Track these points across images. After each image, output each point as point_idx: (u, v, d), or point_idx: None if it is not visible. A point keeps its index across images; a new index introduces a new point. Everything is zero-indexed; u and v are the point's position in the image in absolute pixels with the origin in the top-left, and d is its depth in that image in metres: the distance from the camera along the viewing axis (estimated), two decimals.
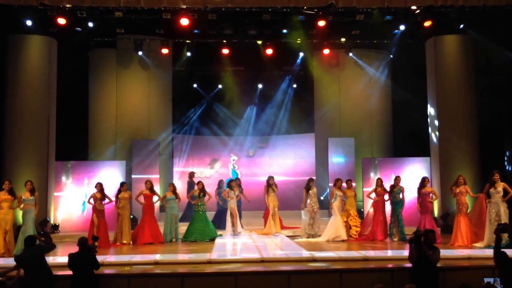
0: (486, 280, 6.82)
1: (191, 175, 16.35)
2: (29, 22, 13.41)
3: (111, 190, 13.36)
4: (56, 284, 7.82)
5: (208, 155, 19.09)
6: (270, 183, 13.83)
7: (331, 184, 16.46)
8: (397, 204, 12.40)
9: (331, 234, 12.40)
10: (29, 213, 11.21)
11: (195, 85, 19.60)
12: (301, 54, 17.65)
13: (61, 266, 8.59)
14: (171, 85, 18.06)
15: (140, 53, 16.52)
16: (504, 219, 10.67)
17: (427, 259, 7.64)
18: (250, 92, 19.17)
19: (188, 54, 17.08)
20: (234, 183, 13.89)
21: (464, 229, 11.31)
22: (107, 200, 12.49)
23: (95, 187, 12.58)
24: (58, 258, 9.74)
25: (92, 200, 12.43)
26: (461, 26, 14.12)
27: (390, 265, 8.89)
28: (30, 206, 11.25)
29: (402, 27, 14.87)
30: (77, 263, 7.55)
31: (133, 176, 15.97)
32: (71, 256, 7.65)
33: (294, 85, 19.75)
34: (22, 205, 11.22)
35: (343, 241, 12.26)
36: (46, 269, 7.60)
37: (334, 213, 12.62)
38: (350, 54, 17.07)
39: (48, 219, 13.19)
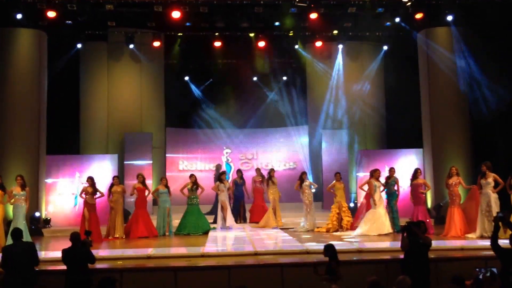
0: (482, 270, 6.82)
1: (218, 167, 16.06)
2: (18, 15, 13.29)
3: (103, 184, 13.32)
4: (47, 279, 7.78)
5: (200, 148, 19.02)
6: (270, 176, 13.77)
7: (326, 173, 16.53)
8: (392, 195, 12.38)
9: (375, 228, 11.79)
10: (20, 208, 11.10)
11: (186, 78, 19.48)
12: (294, 47, 17.59)
13: (52, 261, 8.56)
14: (163, 78, 17.98)
15: (131, 46, 16.42)
16: (495, 209, 10.70)
17: (419, 246, 7.66)
18: (243, 85, 19.09)
19: (180, 47, 16.98)
20: (224, 176, 13.77)
21: (458, 220, 11.33)
22: (98, 194, 12.42)
23: (86, 181, 12.51)
24: (50, 253, 9.70)
25: (83, 194, 12.36)
26: (450, 18, 14.12)
27: (384, 257, 8.90)
28: (21, 201, 11.14)
29: (394, 19, 14.86)
30: (70, 258, 7.49)
31: (125, 169, 15.90)
32: (64, 251, 7.60)
33: (284, 77, 19.66)
34: (12, 200, 11.12)
35: (387, 234, 11.67)
36: (32, 268, 7.53)
37: (375, 205, 12.03)
38: (342, 46, 17.02)
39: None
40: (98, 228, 12.03)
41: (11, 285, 7.26)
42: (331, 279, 7.14)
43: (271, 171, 14.02)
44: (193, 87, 19.52)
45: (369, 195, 12.57)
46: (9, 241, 10.55)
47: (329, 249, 7.43)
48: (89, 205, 12.17)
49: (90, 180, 12.39)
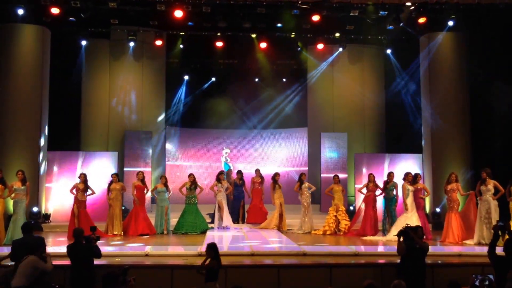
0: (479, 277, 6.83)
1: (229, 172, 15.80)
2: (22, 11, 13.35)
3: (102, 181, 13.35)
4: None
5: (200, 148, 19.04)
6: (275, 180, 13.67)
7: (325, 176, 16.52)
8: (391, 200, 12.36)
9: None
10: (20, 203, 11.17)
11: (186, 77, 19.40)
12: (295, 48, 17.59)
13: (51, 256, 8.58)
14: (165, 76, 17.99)
15: (133, 44, 16.43)
16: (495, 217, 10.71)
17: (416, 251, 7.67)
18: (243, 85, 19.10)
19: (182, 46, 17.00)
20: (222, 175, 13.77)
21: (456, 226, 11.30)
22: (89, 192, 12.37)
23: (79, 177, 12.44)
24: (49, 248, 9.69)
25: (74, 191, 12.27)
26: (453, 23, 14.13)
27: (380, 261, 8.92)
28: (21, 196, 11.21)
29: (396, 23, 14.86)
30: (74, 254, 7.57)
31: (125, 167, 15.94)
32: (68, 247, 7.68)
33: (285, 79, 19.61)
34: (13, 195, 11.16)
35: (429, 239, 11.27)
36: None
37: (407, 210, 11.78)
38: (344, 49, 17.02)
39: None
40: (88, 226, 11.89)
41: None
42: (211, 279, 7.13)
43: (276, 175, 13.91)
44: (182, 90, 19.38)
45: (370, 199, 12.60)
46: (9, 235, 10.68)
47: (212, 249, 7.44)
48: (79, 201, 12.12)
49: (83, 176, 12.36)
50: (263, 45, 16.28)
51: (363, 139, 17.46)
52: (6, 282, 7.25)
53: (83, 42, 16.19)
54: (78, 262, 7.48)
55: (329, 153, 16.89)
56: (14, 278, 6.95)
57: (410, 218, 11.56)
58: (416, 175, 12.43)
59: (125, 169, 15.93)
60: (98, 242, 7.78)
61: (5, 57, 13.85)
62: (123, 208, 13.17)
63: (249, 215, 14.44)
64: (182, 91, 19.13)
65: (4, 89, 13.75)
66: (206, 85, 19.50)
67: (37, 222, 13.11)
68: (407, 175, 12.16)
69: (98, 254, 7.70)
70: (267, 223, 13.47)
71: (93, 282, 7.36)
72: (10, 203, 11.58)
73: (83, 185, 12.24)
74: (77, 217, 11.96)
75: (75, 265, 7.51)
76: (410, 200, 11.86)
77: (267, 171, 15.72)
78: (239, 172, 15.02)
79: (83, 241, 7.65)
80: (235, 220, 13.98)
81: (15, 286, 6.91)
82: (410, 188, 11.95)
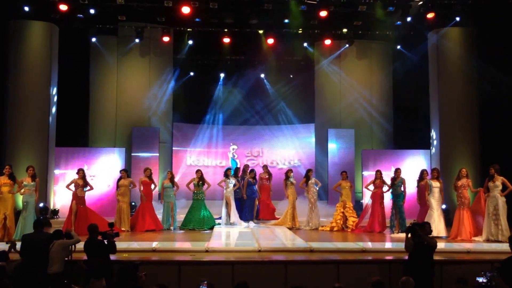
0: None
1: (246, 168, 15.77)
2: (30, 8, 13.40)
3: (110, 177, 13.37)
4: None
5: (207, 144, 19.05)
6: (288, 176, 13.61)
7: (332, 172, 16.47)
8: (399, 196, 12.27)
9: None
10: (30, 199, 11.20)
11: (191, 73, 19.38)
12: (302, 44, 17.55)
13: None
14: (172, 73, 18.02)
15: (140, 40, 16.44)
16: (502, 213, 10.64)
17: (424, 248, 7.64)
18: (251, 81, 19.08)
19: (190, 42, 17.02)
20: (229, 171, 13.70)
21: (468, 223, 11.17)
22: (88, 188, 12.31)
23: (77, 173, 12.30)
24: None
25: (72, 186, 12.17)
26: (461, 18, 14.04)
27: (388, 257, 8.90)
28: (31, 192, 11.23)
29: (404, 19, 14.80)
30: (89, 249, 7.64)
31: (132, 163, 15.99)
32: (85, 242, 7.74)
33: (292, 75, 19.57)
34: (22, 190, 11.19)
35: (441, 237, 11.08)
36: (46, 257, 7.62)
37: (431, 207, 11.58)
38: (351, 45, 16.96)
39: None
40: (87, 222, 11.90)
41: (25, 272, 7.39)
42: (97, 276, 7.02)
43: (289, 171, 13.82)
44: (201, 82, 19.37)
45: (377, 195, 12.53)
46: (19, 231, 10.73)
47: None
48: (78, 198, 12.01)
49: (82, 172, 12.28)
50: (270, 41, 16.25)
51: (371, 135, 17.41)
52: (13, 277, 7.30)
53: (95, 39, 16.23)
54: (94, 257, 7.52)
55: (336, 149, 16.84)
56: (49, 266, 7.30)
57: (436, 216, 11.41)
58: (423, 171, 12.35)
59: (132, 165, 15.97)
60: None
61: (14, 53, 13.94)
62: (132, 203, 13.19)
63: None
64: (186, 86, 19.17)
65: (13, 86, 13.83)
66: (215, 82, 19.48)
67: (45, 218, 13.21)
68: (432, 171, 12.07)
69: (113, 250, 7.75)
70: (282, 221, 13.40)
71: (109, 277, 7.40)
72: (19, 199, 11.63)
73: (82, 181, 12.15)
74: (75, 213, 11.83)
75: (91, 260, 7.56)
76: (434, 197, 11.64)
77: (274, 167, 15.69)
78: (252, 171, 14.89)
79: (98, 236, 7.69)
80: (251, 219, 13.87)
81: (51, 273, 7.25)
82: (435, 184, 11.72)
